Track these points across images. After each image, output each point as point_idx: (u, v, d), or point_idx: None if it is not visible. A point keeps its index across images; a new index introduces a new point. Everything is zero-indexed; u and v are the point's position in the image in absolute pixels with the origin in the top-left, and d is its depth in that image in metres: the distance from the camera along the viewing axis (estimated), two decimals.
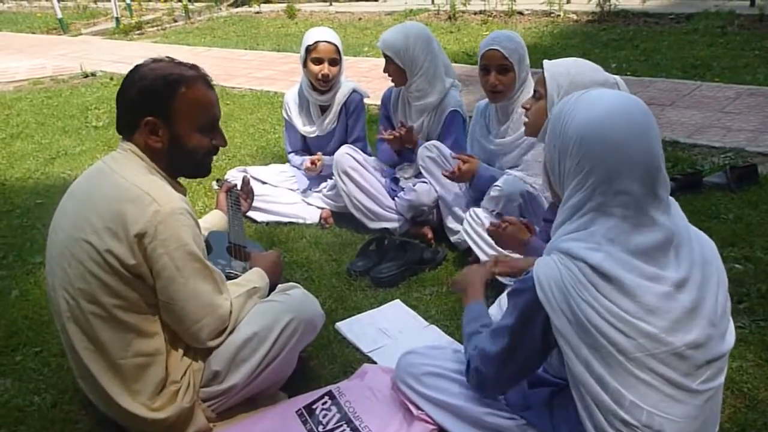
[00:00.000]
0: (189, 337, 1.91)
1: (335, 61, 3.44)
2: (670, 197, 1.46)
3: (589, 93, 1.48)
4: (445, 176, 2.93)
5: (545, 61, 2.20)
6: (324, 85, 3.47)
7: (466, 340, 1.80)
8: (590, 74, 2.11)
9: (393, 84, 3.30)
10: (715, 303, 1.44)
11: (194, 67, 1.93)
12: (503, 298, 2.37)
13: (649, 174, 1.38)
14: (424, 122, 3.27)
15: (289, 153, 3.81)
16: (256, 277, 2.13)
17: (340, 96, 3.57)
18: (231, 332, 1.95)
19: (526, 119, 2.31)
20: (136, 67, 1.89)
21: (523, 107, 2.26)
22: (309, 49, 3.42)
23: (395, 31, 3.18)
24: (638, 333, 1.36)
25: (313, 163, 3.54)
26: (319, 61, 3.42)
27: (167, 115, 1.84)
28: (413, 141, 3.20)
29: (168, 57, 1.94)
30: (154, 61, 1.91)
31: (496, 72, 2.80)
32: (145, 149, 1.87)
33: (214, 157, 2.03)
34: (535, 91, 2.21)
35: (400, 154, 3.36)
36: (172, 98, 1.83)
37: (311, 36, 3.44)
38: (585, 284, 1.37)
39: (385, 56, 3.18)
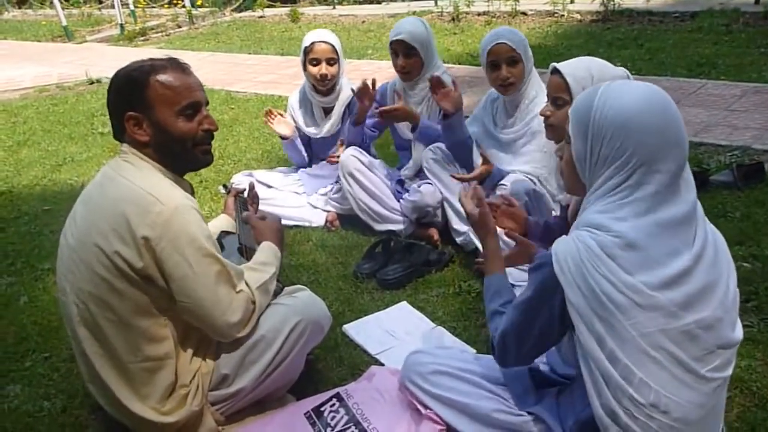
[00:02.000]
0: (215, 333, 1.90)
1: (333, 61, 3.46)
2: None
3: (615, 83, 1.52)
4: (455, 178, 2.90)
5: (559, 65, 2.17)
6: (323, 84, 3.49)
7: (488, 317, 1.78)
8: (610, 73, 2.11)
9: (405, 77, 3.27)
10: (726, 289, 1.46)
11: (170, 59, 1.92)
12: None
13: (682, 152, 1.43)
14: (423, 109, 3.27)
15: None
16: (270, 257, 2.10)
17: (343, 97, 3.59)
18: (255, 322, 1.95)
19: (550, 125, 2.26)
20: (114, 73, 1.91)
21: (542, 114, 2.24)
22: (307, 51, 3.46)
23: (414, 23, 3.19)
24: (651, 305, 1.37)
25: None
26: (317, 62, 3.45)
27: (145, 105, 1.84)
28: (414, 115, 3.18)
29: (149, 57, 1.94)
30: (134, 62, 1.92)
31: (506, 65, 2.82)
32: (138, 146, 1.87)
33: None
34: (556, 98, 2.15)
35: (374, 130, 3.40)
36: (145, 87, 1.83)
37: (308, 38, 3.48)
38: (601, 257, 1.39)
39: (408, 48, 3.15)
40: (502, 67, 2.82)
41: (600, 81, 2.05)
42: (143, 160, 1.87)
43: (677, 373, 1.40)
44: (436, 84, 2.93)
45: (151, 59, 1.90)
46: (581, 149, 1.52)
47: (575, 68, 2.14)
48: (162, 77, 1.85)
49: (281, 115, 3.65)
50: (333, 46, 3.45)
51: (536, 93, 2.85)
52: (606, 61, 2.16)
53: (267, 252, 2.12)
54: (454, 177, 2.91)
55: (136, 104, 1.84)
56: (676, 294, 1.38)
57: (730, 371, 1.48)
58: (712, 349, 1.42)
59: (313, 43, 3.44)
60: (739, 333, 1.50)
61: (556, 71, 2.13)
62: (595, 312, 1.40)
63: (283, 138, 3.67)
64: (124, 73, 1.87)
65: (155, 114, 1.85)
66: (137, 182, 1.81)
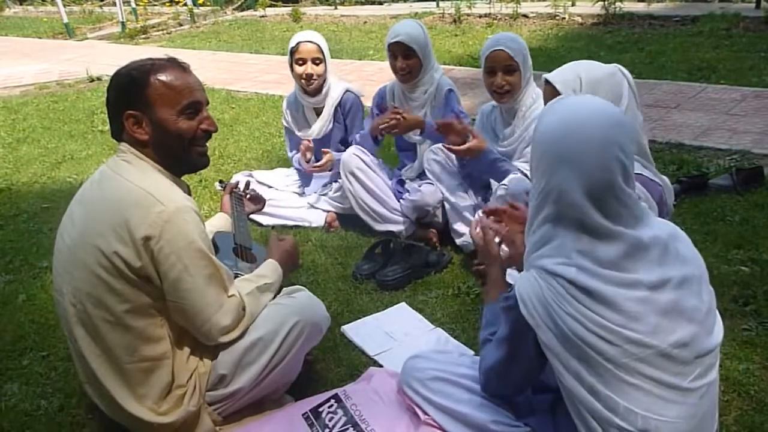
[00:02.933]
0: (201, 335, 1.91)
1: (318, 61, 3.48)
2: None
3: (561, 101, 1.51)
4: (448, 149, 2.90)
5: (548, 76, 2.18)
6: (308, 84, 3.50)
7: (480, 344, 1.81)
8: (600, 71, 2.11)
9: (404, 79, 3.27)
10: (699, 301, 1.45)
11: (170, 59, 1.92)
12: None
13: (598, 188, 1.38)
14: (426, 112, 3.28)
15: (290, 154, 3.83)
16: (269, 271, 2.12)
17: (333, 97, 3.59)
18: (247, 329, 1.95)
19: None
20: (114, 72, 1.91)
21: None
22: (293, 51, 3.49)
23: (412, 25, 3.20)
24: (623, 340, 1.37)
25: (308, 149, 3.52)
26: (302, 62, 3.47)
27: (145, 103, 1.83)
28: (420, 122, 3.18)
29: (149, 57, 1.94)
30: (134, 61, 1.91)
31: (502, 73, 2.81)
32: (137, 145, 1.87)
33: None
34: None
35: (377, 142, 3.40)
36: (145, 86, 1.83)
37: (294, 38, 3.51)
38: (566, 297, 1.39)
39: (406, 50, 3.15)
40: (498, 74, 2.82)
41: (588, 80, 2.07)
42: (142, 159, 1.87)
43: (660, 393, 1.40)
44: (445, 129, 2.89)
45: (150, 59, 1.90)
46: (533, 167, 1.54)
47: (563, 74, 2.15)
48: (163, 76, 1.85)
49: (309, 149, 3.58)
50: (318, 46, 3.46)
51: (534, 100, 2.86)
52: (595, 62, 2.16)
53: (267, 267, 2.14)
54: (445, 147, 2.91)
55: (136, 103, 1.83)
56: (643, 325, 1.38)
57: (714, 375, 1.48)
58: (690, 361, 1.42)
59: (298, 43, 3.46)
60: (717, 336, 1.48)
61: (547, 82, 2.15)
62: (568, 350, 1.40)
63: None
64: (125, 72, 1.87)
65: (155, 113, 1.84)
66: (136, 182, 1.81)
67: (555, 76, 2.14)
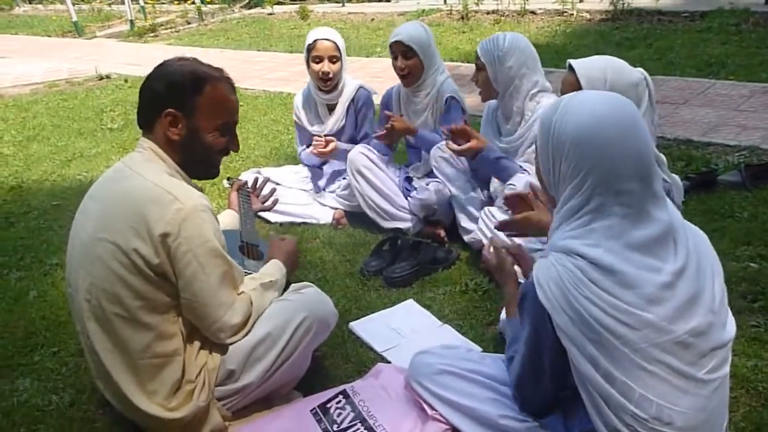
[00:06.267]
0: (211, 334, 1.92)
1: (335, 59, 3.47)
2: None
3: (576, 96, 1.50)
4: (449, 148, 2.93)
5: (574, 63, 2.15)
6: (325, 84, 3.50)
7: (506, 361, 1.81)
8: (626, 79, 2.10)
9: (405, 81, 3.28)
10: (713, 293, 1.46)
11: (220, 69, 1.97)
12: None
13: (645, 171, 1.40)
14: (427, 116, 3.28)
15: (300, 149, 3.84)
16: (273, 269, 2.14)
17: (347, 94, 3.60)
18: (252, 327, 1.97)
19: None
20: (164, 62, 1.94)
21: None
22: (309, 48, 3.47)
23: (413, 26, 3.22)
24: (641, 323, 1.37)
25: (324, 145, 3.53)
26: (319, 59, 3.45)
27: (190, 108, 1.87)
28: (411, 129, 3.23)
29: (194, 58, 1.98)
30: (181, 59, 1.95)
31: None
32: (163, 142, 1.90)
33: (228, 159, 2.06)
34: None
35: (392, 147, 3.46)
36: (198, 94, 1.87)
37: (310, 36, 3.50)
38: (584, 281, 1.39)
39: (406, 50, 3.17)
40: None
41: (613, 86, 2.05)
42: (161, 158, 1.90)
43: (675, 382, 1.40)
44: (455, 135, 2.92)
45: (206, 65, 1.94)
46: (545, 162, 1.52)
47: (590, 68, 2.12)
48: (216, 89, 1.90)
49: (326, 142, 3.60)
50: (335, 44, 3.45)
51: (537, 101, 2.84)
52: (625, 63, 2.14)
53: (272, 266, 2.16)
54: (447, 146, 2.94)
55: (181, 105, 1.87)
56: (663, 309, 1.38)
57: (727, 369, 1.48)
58: (705, 352, 1.42)
59: (315, 41, 3.45)
60: (731, 331, 1.49)
61: (571, 68, 2.12)
62: (585, 335, 1.40)
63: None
64: (181, 71, 1.89)
65: (196, 120, 1.89)
66: (154, 179, 1.83)
67: (581, 70, 2.12)
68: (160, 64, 1.94)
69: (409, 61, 3.18)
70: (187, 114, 1.88)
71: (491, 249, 2.02)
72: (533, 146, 2.80)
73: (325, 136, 3.57)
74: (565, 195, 1.46)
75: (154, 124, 1.90)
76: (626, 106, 1.44)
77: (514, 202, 2.12)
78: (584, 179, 1.41)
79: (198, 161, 1.97)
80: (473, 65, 2.89)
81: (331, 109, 3.65)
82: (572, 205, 1.44)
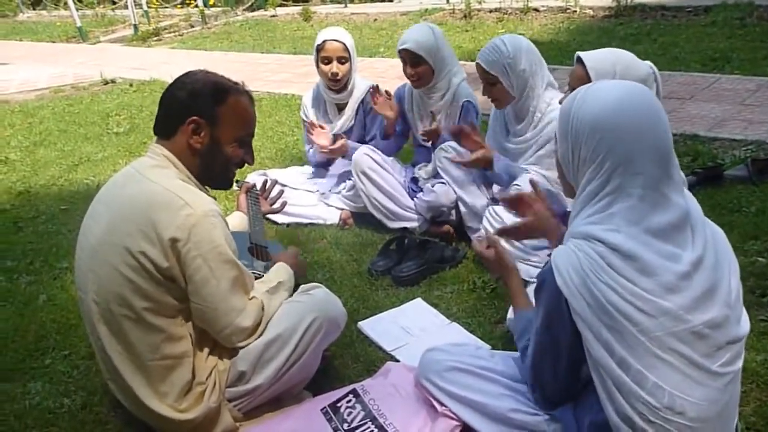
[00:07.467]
0: (223, 338, 1.93)
1: (344, 59, 3.47)
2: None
3: (596, 85, 1.52)
4: (456, 162, 2.95)
5: (583, 56, 2.14)
6: (335, 84, 3.50)
7: (520, 353, 1.81)
8: (635, 72, 2.10)
9: (415, 85, 3.28)
10: (729, 287, 1.46)
11: (240, 83, 2.02)
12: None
13: (663, 155, 1.42)
14: (441, 120, 3.28)
15: (307, 148, 3.85)
16: (281, 271, 2.16)
17: (357, 94, 3.61)
18: (263, 330, 1.98)
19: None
20: (188, 72, 1.97)
21: (561, 104, 2.24)
22: (319, 49, 3.48)
23: (421, 31, 3.18)
24: (658, 311, 1.38)
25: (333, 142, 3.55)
26: (328, 60, 3.46)
27: (214, 118, 1.90)
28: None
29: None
30: (203, 71, 1.98)
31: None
32: (184, 150, 1.91)
33: None
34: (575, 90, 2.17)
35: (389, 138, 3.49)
36: (222, 104, 1.91)
37: (320, 36, 3.51)
38: (603, 266, 1.40)
39: (414, 57, 3.15)
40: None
41: (622, 79, 2.05)
42: (175, 166, 1.91)
43: (689, 373, 1.40)
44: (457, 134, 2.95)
45: (228, 79, 1.99)
46: (565, 151, 1.53)
47: (600, 61, 2.12)
48: (238, 103, 1.95)
49: (322, 127, 3.64)
50: (345, 45, 3.46)
51: (548, 103, 2.82)
52: (634, 56, 2.14)
53: (280, 269, 2.18)
54: (453, 160, 2.94)
55: (205, 114, 1.89)
56: (681, 298, 1.39)
57: (740, 364, 1.49)
58: (721, 345, 1.43)
59: (324, 42, 3.45)
60: (745, 326, 1.49)
61: (580, 61, 2.12)
62: (602, 320, 1.40)
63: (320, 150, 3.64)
64: (205, 81, 1.93)
65: (218, 130, 1.92)
66: (164, 184, 1.84)
67: (591, 62, 2.12)
68: (185, 74, 1.96)
69: (419, 68, 3.17)
70: (211, 123, 1.90)
71: (485, 245, 1.97)
72: (543, 149, 2.81)
73: (332, 136, 3.58)
74: (584, 180, 1.48)
75: (176, 131, 1.91)
76: (645, 93, 1.46)
77: (514, 204, 2.12)
78: (603, 162, 1.43)
79: (215, 171, 1.99)
80: (476, 63, 2.87)
81: (340, 108, 3.66)
82: (591, 189, 1.46)
